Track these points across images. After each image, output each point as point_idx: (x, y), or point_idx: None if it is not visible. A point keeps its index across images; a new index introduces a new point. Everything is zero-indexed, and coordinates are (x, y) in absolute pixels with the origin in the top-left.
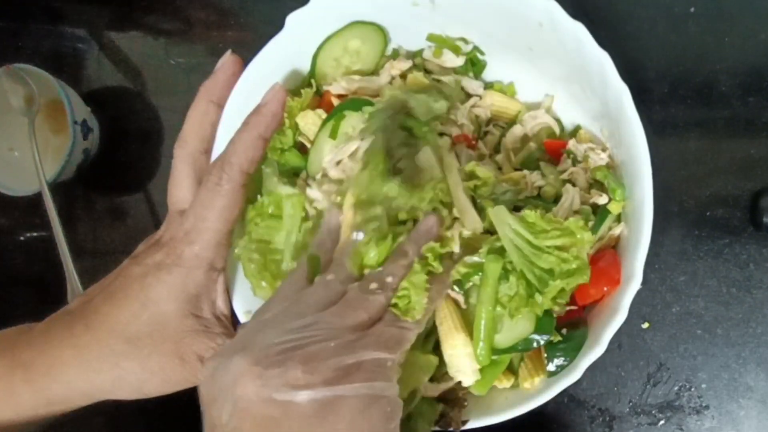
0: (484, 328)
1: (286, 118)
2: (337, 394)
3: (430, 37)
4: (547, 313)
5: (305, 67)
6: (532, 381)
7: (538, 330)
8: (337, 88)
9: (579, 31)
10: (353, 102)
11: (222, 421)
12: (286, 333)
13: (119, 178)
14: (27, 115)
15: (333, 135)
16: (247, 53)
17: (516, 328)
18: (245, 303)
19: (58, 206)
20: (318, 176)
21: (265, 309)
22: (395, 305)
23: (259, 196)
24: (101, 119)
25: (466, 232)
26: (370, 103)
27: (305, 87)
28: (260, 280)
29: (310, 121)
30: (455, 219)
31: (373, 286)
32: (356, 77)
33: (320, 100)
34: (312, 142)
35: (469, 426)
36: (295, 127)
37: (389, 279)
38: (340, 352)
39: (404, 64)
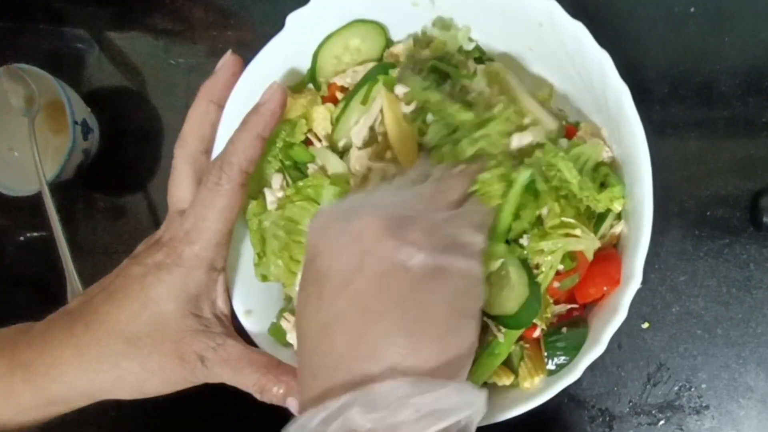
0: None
1: (299, 116)
2: (446, 264)
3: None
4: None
5: (305, 66)
6: (531, 380)
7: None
8: (342, 80)
9: (579, 31)
10: (383, 66)
11: (332, 271)
12: (394, 204)
13: (119, 178)
14: (27, 115)
15: (364, 101)
16: (247, 53)
17: (514, 291)
18: (245, 303)
19: (58, 206)
20: (341, 144)
21: (354, 196)
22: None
23: (265, 191)
24: (101, 119)
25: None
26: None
27: (306, 85)
28: (278, 259)
29: (320, 116)
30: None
31: (457, 170)
32: (360, 68)
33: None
34: (341, 111)
35: None
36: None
37: (472, 167)
38: (446, 226)
39: (404, 46)
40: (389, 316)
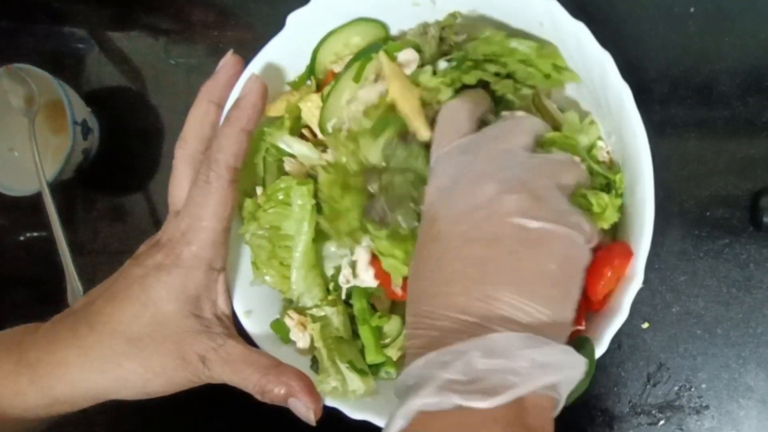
0: None
1: (285, 111)
2: (556, 230)
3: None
4: None
5: (306, 66)
6: None
7: None
8: (339, 67)
9: (580, 30)
10: (376, 45)
11: (453, 233)
12: (505, 170)
13: (119, 178)
14: (27, 115)
15: (357, 78)
16: (247, 53)
17: None
18: (245, 303)
19: (58, 206)
20: (331, 125)
21: (458, 153)
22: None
23: (258, 188)
24: (101, 119)
25: None
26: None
27: (305, 81)
28: (269, 268)
29: (313, 104)
30: None
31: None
32: None
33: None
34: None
35: None
36: (297, 117)
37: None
38: (561, 199)
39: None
40: (506, 274)
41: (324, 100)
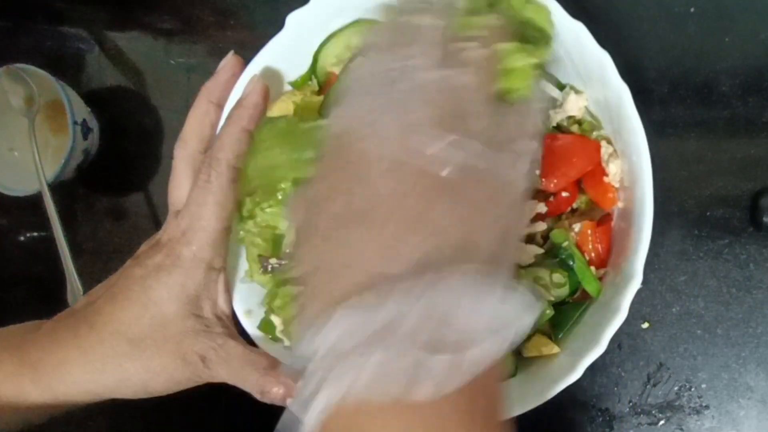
0: None
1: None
2: (487, 167)
3: None
4: None
5: (306, 66)
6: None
7: None
8: (338, 68)
9: (579, 30)
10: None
11: (375, 156)
12: (441, 94)
13: (119, 178)
14: (27, 115)
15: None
16: (247, 53)
17: None
18: (245, 303)
19: (58, 206)
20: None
21: (394, 70)
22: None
23: (237, 226)
24: (101, 119)
25: None
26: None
27: (306, 82)
28: (260, 266)
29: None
30: None
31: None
32: None
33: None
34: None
35: None
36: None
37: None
38: (503, 127)
39: None
40: (440, 210)
41: (312, 59)
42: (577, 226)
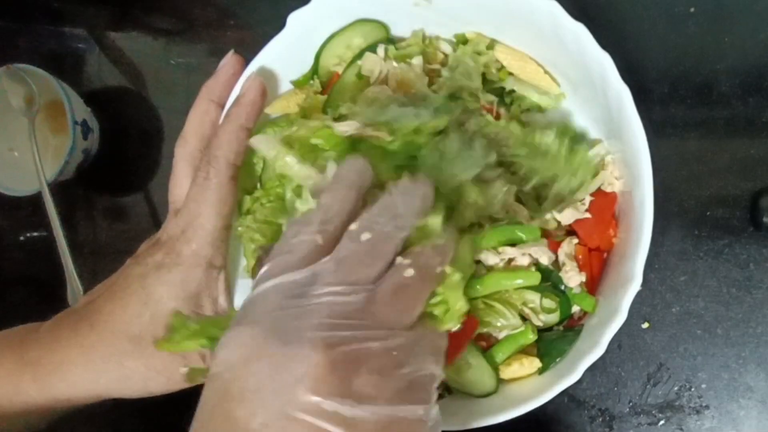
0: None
1: (297, 113)
2: (399, 416)
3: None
4: None
5: (306, 66)
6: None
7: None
8: (341, 68)
9: (580, 31)
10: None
11: (253, 426)
12: (336, 325)
13: (119, 178)
14: (27, 115)
15: (360, 76)
16: (247, 53)
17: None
18: None
19: (58, 206)
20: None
21: (276, 270)
22: (430, 313)
23: (258, 185)
24: (101, 119)
25: None
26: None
27: (308, 81)
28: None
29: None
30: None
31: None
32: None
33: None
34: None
35: (468, 426)
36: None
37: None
38: (403, 362)
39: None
40: None
41: (314, 59)
42: (566, 245)
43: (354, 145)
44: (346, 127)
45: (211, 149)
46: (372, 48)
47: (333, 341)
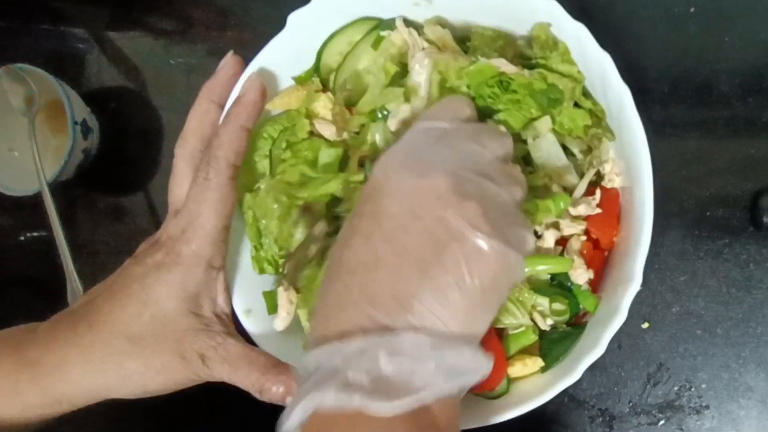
0: None
1: (296, 109)
2: (496, 250)
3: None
4: None
5: (307, 66)
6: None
7: None
8: None
9: (580, 31)
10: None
11: (394, 213)
12: (464, 165)
13: (119, 178)
14: (27, 115)
15: (375, 46)
16: (247, 53)
17: None
18: (245, 301)
19: (58, 206)
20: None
21: (420, 139)
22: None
23: (261, 180)
24: (101, 119)
25: None
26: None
27: (310, 78)
28: (282, 224)
29: (321, 104)
30: None
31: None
32: None
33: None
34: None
35: (469, 426)
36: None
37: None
38: (513, 216)
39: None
40: (434, 275)
41: (342, 60)
42: (573, 241)
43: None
44: (498, 63)
45: (211, 149)
46: (381, 27)
47: (457, 177)
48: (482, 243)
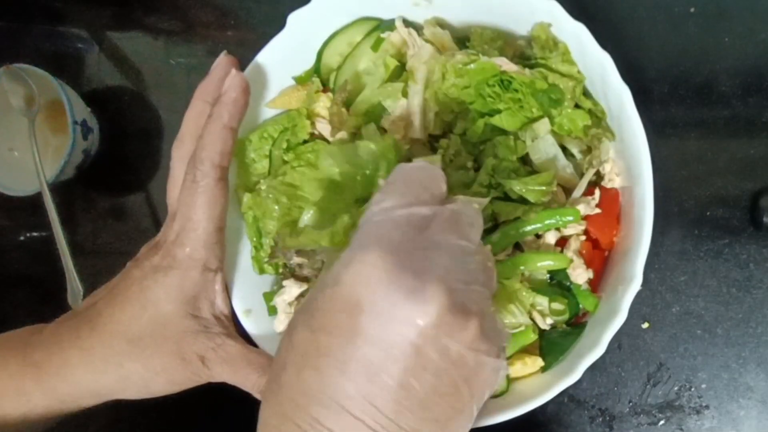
0: None
1: (297, 109)
2: (487, 363)
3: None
4: None
5: (307, 66)
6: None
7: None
8: None
9: (580, 31)
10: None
11: (374, 338)
12: (456, 276)
13: (119, 178)
14: (27, 115)
15: (375, 48)
16: (247, 53)
17: None
18: (244, 302)
19: (58, 206)
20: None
21: (406, 231)
22: None
23: (261, 181)
24: (101, 119)
25: None
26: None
27: (310, 77)
28: (283, 225)
29: (322, 104)
30: None
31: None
32: None
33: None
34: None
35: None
36: (309, 117)
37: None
38: (494, 317)
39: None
40: (416, 400)
41: (341, 61)
42: (573, 241)
43: None
44: (499, 62)
45: (196, 151)
46: (381, 29)
47: (451, 296)
48: (486, 364)
